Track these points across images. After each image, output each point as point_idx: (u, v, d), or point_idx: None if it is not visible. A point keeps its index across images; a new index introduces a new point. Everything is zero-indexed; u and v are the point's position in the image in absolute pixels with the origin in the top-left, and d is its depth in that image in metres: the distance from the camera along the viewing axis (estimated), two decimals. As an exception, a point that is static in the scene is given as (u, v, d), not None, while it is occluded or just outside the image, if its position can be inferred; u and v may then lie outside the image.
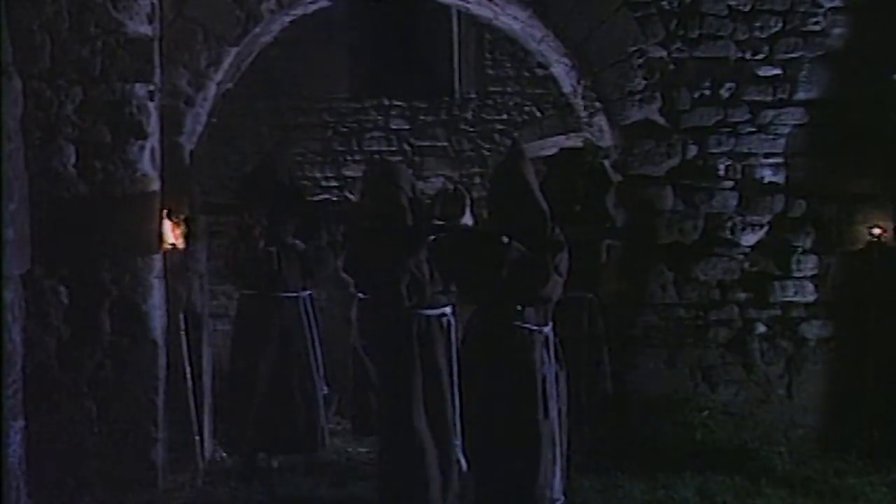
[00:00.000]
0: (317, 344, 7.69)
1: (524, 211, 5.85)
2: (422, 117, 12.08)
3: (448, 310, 6.63)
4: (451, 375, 6.49)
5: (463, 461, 6.28)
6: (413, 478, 6.43)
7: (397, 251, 6.50)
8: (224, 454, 8.00)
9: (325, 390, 7.78)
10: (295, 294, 7.65)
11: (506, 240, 5.78)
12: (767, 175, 7.89)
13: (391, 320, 6.57)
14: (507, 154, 6.32)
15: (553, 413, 5.83)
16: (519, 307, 5.81)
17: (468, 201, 7.06)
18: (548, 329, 5.92)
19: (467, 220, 6.96)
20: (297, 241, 7.65)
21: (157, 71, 7.09)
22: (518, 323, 5.82)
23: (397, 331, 6.53)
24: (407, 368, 6.48)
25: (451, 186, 7.42)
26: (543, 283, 5.77)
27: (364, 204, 7.27)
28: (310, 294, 7.78)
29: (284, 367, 7.58)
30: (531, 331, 5.83)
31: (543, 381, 5.82)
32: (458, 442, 6.35)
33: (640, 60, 7.81)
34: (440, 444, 6.47)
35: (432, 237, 6.49)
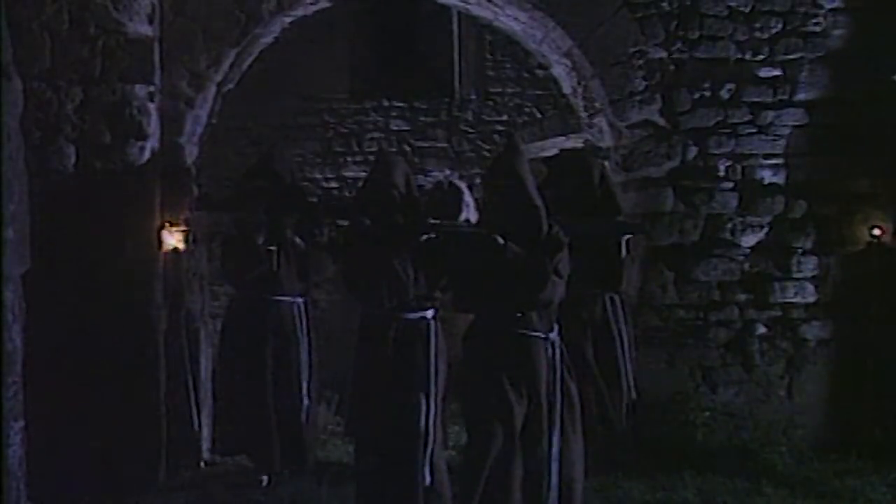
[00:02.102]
0: (305, 352, 7.37)
1: (519, 209, 5.57)
2: (422, 118, 12.10)
3: (429, 314, 6.25)
4: (426, 384, 6.10)
5: (427, 476, 5.98)
6: (375, 487, 6.16)
7: (382, 250, 6.17)
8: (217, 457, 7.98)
9: (307, 402, 7.38)
10: (290, 297, 7.37)
11: (501, 240, 5.50)
12: (767, 176, 7.90)
13: (368, 322, 6.28)
14: (502, 150, 6.04)
15: (557, 427, 5.52)
16: (519, 313, 5.48)
17: (466, 198, 6.66)
18: (553, 335, 5.58)
19: (470, 217, 6.57)
20: (298, 239, 7.41)
21: (158, 71, 7.10)
22: (520, 330, 5.49)
23: (371, 333, 6.23)
24: (377, 373, 6.15)
25: (446, 182, 7.00)
26: (542, 286, 5.45)
27: (358, 200, 6.91)
28: (305, 300, 7.48)
29: (273, 375, 7.27)
30: (535, 338, 5.51)
31: (548, 392, 5.50)
32: (427, 455, 6.00)
33: (641, 61, 7.82)
34: (404, 454, 6.08)
35: (423, 237, 6.12)
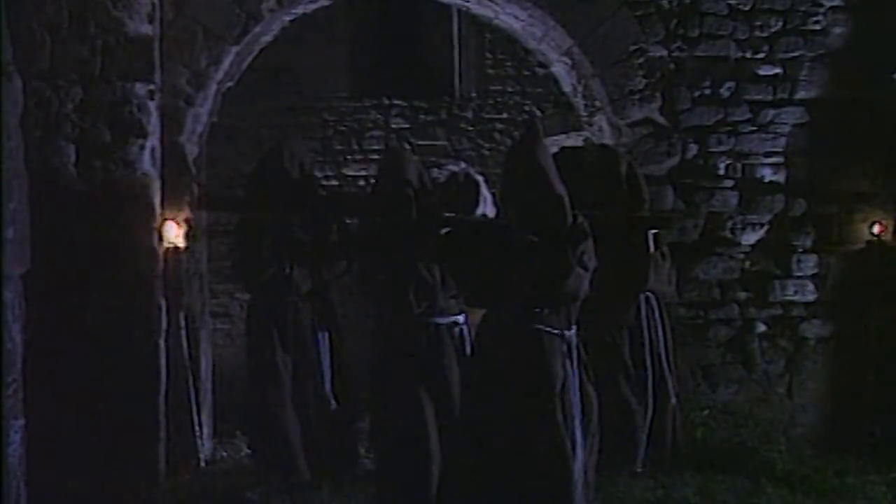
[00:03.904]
0: (326, 354, 7.15)
1: (540, 198, 5.23)
2: (422, 117, 12.09)
3: (461, 318, 6.02)
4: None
5: None
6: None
7: (404, 250, 5.93)
8: (224, 453, 7.97)
9: (334, 405, 7.16)
10: (305, 297, 7.15)
11: (518, 230, 5.17)
12: (768, 174, 7.90)
13: (397, 329, 6.02)
14: (521, 135, 5.66)
15: (577, 432, 5.26)
16: (537, 309, 5.18)
17: (482, 191, 6.38)
18: (571, 333, 5.28)
19: (487, 211, 6.29)
20: (307, 238, 7.14)
21: (158, 70, 7.08)
22: (537, 326, 5.20)
23: (403, 341, 5.99)
24: (411, 384, 5.92)
25: (461, 174, 6.68)
26: (564, 278, 5.14)
27: (371, 197, 6.60)
28: (322, 301, 7.22)
29: (298, 378, 7.10)
30: (552, 335, 5.21)
31: (564, 393, 5.22)
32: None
33: (641, 60, 7.82)
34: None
35: (441, 232, 5.75)
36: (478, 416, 5.34)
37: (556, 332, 5.24)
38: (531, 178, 5.26)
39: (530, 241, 5.17)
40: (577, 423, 5.29)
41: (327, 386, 7.15)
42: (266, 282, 7.11)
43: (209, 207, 7.84)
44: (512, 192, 5.36)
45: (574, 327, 5.32)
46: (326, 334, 7.20)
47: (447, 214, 5.96)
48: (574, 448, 5.26)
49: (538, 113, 12.00)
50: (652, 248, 6.82)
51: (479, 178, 6.52)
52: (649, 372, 6.94)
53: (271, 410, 7.07)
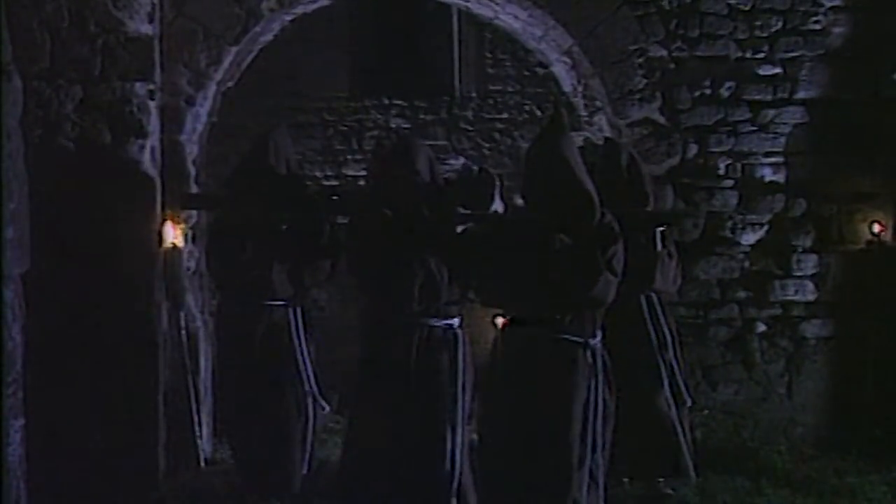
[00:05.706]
0: (302, 364, 6.80)
1: (566, 194, 4.92)
2: (422, 116, 12.09)
3: (455, 321, 5.79)
4: (454, 398, 5.66)
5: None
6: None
7: (413, 247, 5.62)
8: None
9: (302, 419, 6.85)
10: (284, 302, 6.80)
11: (549, 230, 4.84)
12: (768, 174, 7.90)
13: (391, 327, 5.83)
14: (544, 127, 5.26)
15: (597, 446, 5.03)
16: (558, 315, 4.87)
17: (497, 185, 6.09)
18: (595, 341, 4.99)
19: (497, 207, 6.02)
20: (292, 238, 6.80)
21: (158, 70, 7.07)
22: (560, 335, 4.92)
23: (395, 339, 5.80)
24: (396, 387, 5.73)
25: (476, 168, 6.37)
26: (592, 283, 4.83)
27: (373, 189, 6.22)
28: (301, 307, 6.87)
29: (270, 389, 6.77)
30: (574, 343, 4.94)
31: (586, 406, 4.95)
32: (455, 485, 5.57)
33: (641, 59, 7.82)
34: (429, 486, 5.68)
35: (458, 230, 5.50)
36: (497, 430, 5.11)
37: (579, 340, 4.97)
38: (556, 173, 4.96)
39: (560, 240, 4.88)
40: (598, 436, 5.05)
41: (305, 397, 6.85)
42: (244, 284, 6.78)
43: (194, 207, 7.64)
44: (535, 188, 5.07)
45: (598, 335, 5.03)
46: (304, 342, 6.86)
47: (463, 211, 5.69)
48: (592, 459, 5.05)
49: (538, 113, 12.01)
50: (660, 247, 6.55)
51: (494, 174, 6.28)
52: (664, 375, 6.83)
53: (249, 425, 6.82)
